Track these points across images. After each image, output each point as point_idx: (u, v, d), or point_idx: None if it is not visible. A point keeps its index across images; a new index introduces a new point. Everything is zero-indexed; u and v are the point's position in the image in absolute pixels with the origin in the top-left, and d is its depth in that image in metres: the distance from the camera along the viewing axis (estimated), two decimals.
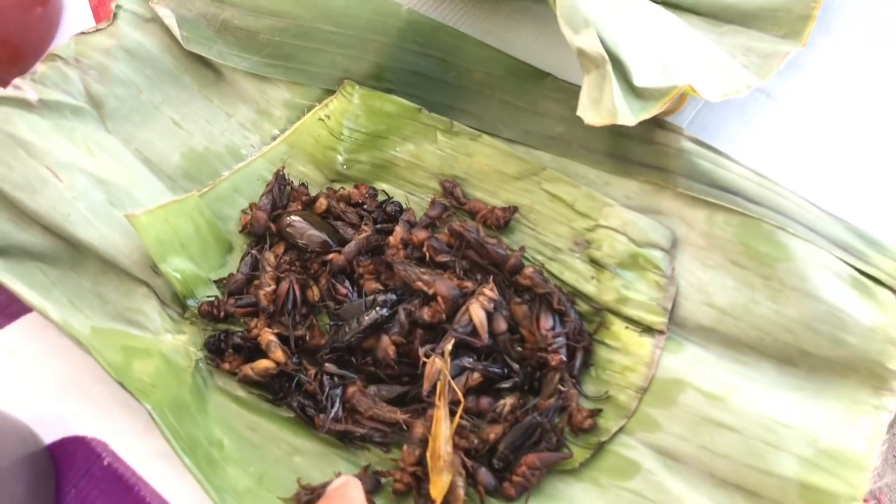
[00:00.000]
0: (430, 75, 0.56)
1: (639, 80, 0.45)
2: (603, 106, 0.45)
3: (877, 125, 0.55)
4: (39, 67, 0.54)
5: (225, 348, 0.50)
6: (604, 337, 0.49)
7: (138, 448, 0.49)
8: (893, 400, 0.45)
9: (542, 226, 0.52)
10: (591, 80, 0.45)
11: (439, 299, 0.49)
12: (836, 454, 0.44)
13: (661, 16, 0.52)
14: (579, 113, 0.45)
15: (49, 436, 0.50)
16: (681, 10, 0.57)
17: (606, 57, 0.44)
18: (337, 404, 0.47)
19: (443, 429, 0.44)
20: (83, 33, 0.56)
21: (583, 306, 0.50)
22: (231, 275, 0.53)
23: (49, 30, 0.64)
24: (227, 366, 0.50)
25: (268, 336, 0.49)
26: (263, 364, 0.48)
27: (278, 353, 0.48)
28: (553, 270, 0.51)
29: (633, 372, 0.48)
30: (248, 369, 0.49)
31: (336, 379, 0.48)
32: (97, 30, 0.56)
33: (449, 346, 0.46)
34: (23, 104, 0.53)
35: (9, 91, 0.53)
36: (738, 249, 0.48)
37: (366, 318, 0.48)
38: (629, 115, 0.44)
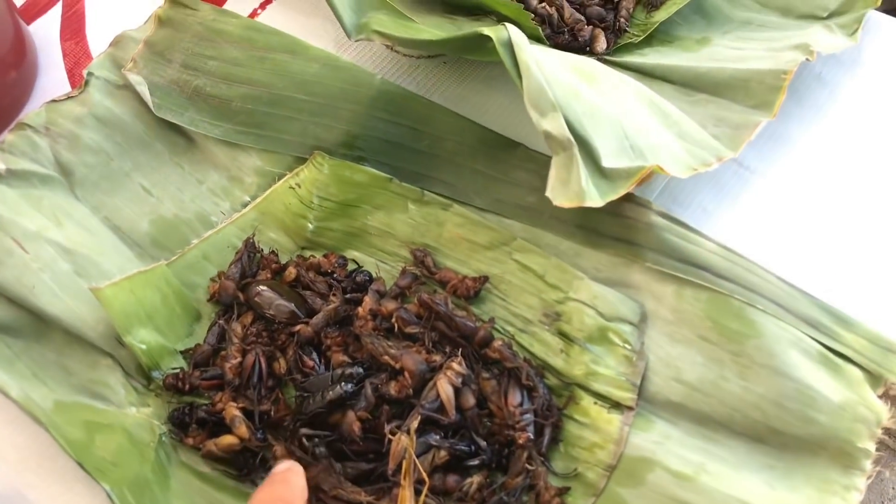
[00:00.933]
0: (402, 143, 0.56)
1: (606, 162, 0.46)
2: (571, 188, 0.45)
3: (849, 198, 0.55)
4: (8, 136, 0.54)
5: (189, 422, 0.49)
6: (573, 412, 0.48)
7: None
8: (863, 480, 0.45)
9: (513, 296, 0.52)
10: (559, 162, 0.46)
11: (406, 374, 0.48)
12: None
13: (629, 88, 0.52)
14: (548, 194, 0.45)
15: None
16: (653, 78, 0.57)
17: (573, 140, 0.44)
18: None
19: None
20: (54, 101, 0.56)
21: (552, 380, 0.49)
22: (198, 345, 0.52)
23: (22, 94, 0.64)
24: (190, 441, 0.49)
25: (232, 411, 0.48)
26: (227, 440, 0.48)
27: (242, 429, 0.47)
28: (523, 342, 0.51)
29: (601, 449, 0.47)
30: (211, 445, 0.48)
31: (316, 440, 0.47)
32: (69, 97, 0.56)
33: (415, 424, 0.46)
34: None
35: None
36: (706, 325, 0.48)
37: (331, 392, 0.48)
38: (597, 197, 0.44)
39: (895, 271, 0.52)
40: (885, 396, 0.46)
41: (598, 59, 0.59)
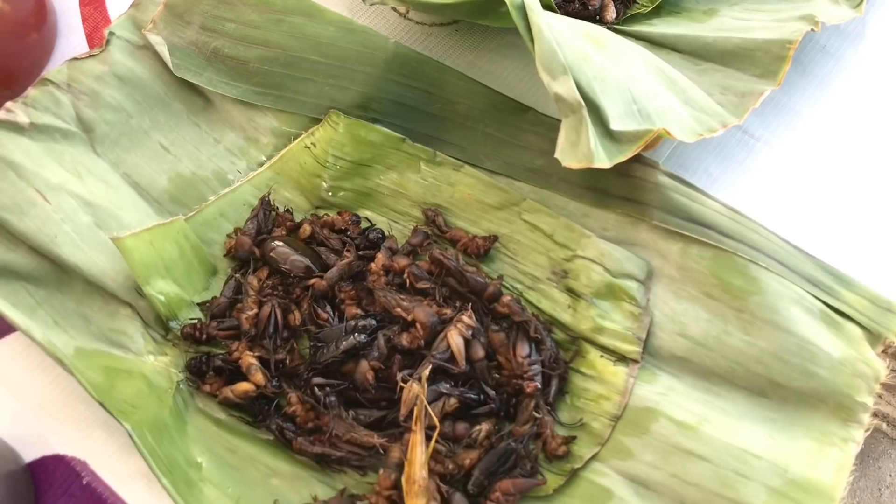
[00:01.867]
0: (415, 106, 0.58)
1: (615, 125, 0.46)
2: (580, 149, 0.46)
3: (851, 167, 0.56)
4: (31, 92, 0.55)
5: (206, 370, 0.51)
6: (579, 365, 0.50)
7: (117, 468, 0.49)
8: (861, 432, 0.46)
9: (522, 255, 0.53)
10: (568, 124, 0.47)
11: (418, 326, 0.49)
12: (804, 484, 0.44)
13: (637, 55, 0.53)
14: (557, 155, 0.46)
15: (29, 454, 0.50)
16: (661, 47, 0.58)
17: (583, 103, 0.45)
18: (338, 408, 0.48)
19: (419, 453, 0.45)
20: (76, 59, 0.57)
21: (559, 335, 0.51)
22: (214, 298, 0.54)
23: (43, 55, 0.65)
24: (207, 388, 0.50)
25: (248, 359, 0.50)
26: (243, 387, 0.49)
27: (258, 376, 0.49)
28: (531, 299, 0.52)
29: (607, 400, 0.49)
30: (228, 391, 0.49)
31: (327, 389, 0.49)
32: (90, 55, 0.57)
33: (426, 372, 0.47)
34: (14, 127, 0.54)
35: (0, 114, 0.54)
36: (711, 282, 0.49)
37: (344, 342, 0.49)
38: (605, 158, 0.45)
39: (894, 235, 0.54)
40: (883, 354, 0.48)
41: (608, 28, 0.60)
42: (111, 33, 0.58)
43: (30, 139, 0.54)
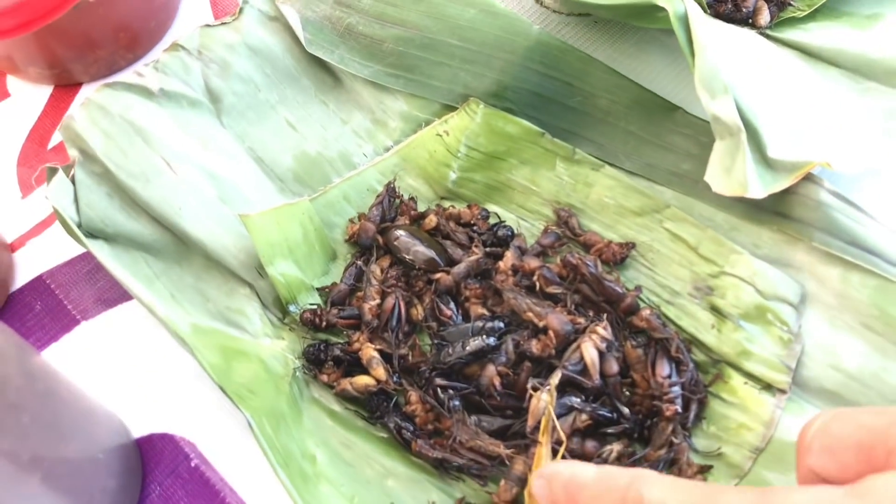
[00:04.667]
0: (553, 98, 0.55)
1: (773, 153, 0.44)
2: (734, 176, 0.44)
3: None
4: (163, 56, 0.54)
5: (324, 359, 0.49)
6: (720, 390, 0.47)
7: (228, 454, 0.48)
8: None
9: (661, 267, 0.50)
10: (723, 147, 0.45)
11: (550, 333, 0.47)
12: None
13: (800, 76, 0.50)
14: (707, 179, 0.45)
15: (138, 430, 0.49)
16: (819, 59, 0.55)
17: (742, 126, 0.43)
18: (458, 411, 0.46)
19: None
20: (208, 26, 0.55)
21: (699, 356, 0.48)
22: (334, 284, 0.52)
23: (167, 18, 0.64)
24: (325, 377, 0.48)
25: (370, 351, 0.47)
26: (364, 380, 0.47)
27: (380, 371, 0.47)
28: (670, 314, 0.49)
29: (748, 430, 0.45)
30: (346, 383, 0.47)
31: (451, 391, 0.46)
32: (222, 23, 0.56)
33: (556, 381, 0.44)
34: (144, 92, 0.52)
35: (132, 78, 0.52)
36: (872, 313, 0.45)
37: (472, 342, 0.47)
38: (760, 188, 0.44)
39: None
40: None
41: (760, 33, 0.56)
42: (245, 2, 0.56)
43: (157, 105, 0.53)
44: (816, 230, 0.47)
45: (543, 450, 0.43)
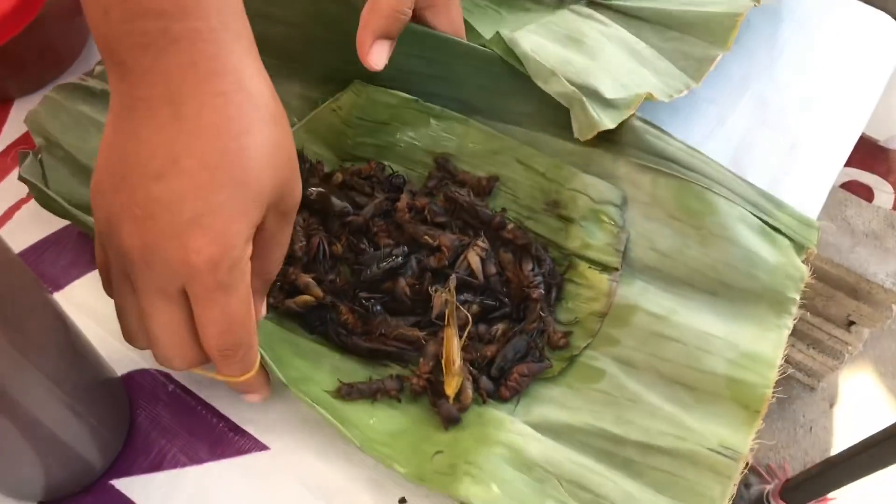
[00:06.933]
0: (418, 71, 0.68)
1: (610, 95, 0.62)
2: (588, 123, 0.61)
3: (773, 110, 0.70)
4: (97, 68, 0.65)
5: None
6: (572, 276, 0.62)
7: (195, 378, 0.59)
8: (791, 319, 0.59)
9: (520, 191, 0.65)
10: (575, 109, 0.62)
11: (443, 249, 0.61)
12: (752, 356, 0.57)
13: (611, 40, 0.68)
14: (576, 135, 0.62)
15: (118, 369, 0.59)
16: (635, 18, 0.73)
17: (578, 91, 0.61)
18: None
19: (454, 343, 0.57)
20: None
21: (554, 253, 0.63)
22: None
23: (85, 35, 0.74)
24: (271, 300, 0.59)
25: (305, 278, 0.60)
26: (304, 298, 0.59)
27: (317, 290, 0.59)
28: (530, 226, 0.64)
29: (595, 302, 0.61)
30: (290, 303, 0.59)
31: (372, 300, 0.60)
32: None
33: (453, 283, 0.59)
34: (89, 91, 0.64)
35: (78, 81, 0.63)
36: (674, 206, 0.62)
37: (384, 263, 0.60)
38: (609, 122, 0.61)
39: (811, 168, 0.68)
40: (806, 261, 0.61)
41: (588, 2, 0.74)
42: None
43: (101, 100, 0.64)
44: (631, 147, 0.63)
45: (451, 329, 0.57)
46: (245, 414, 0.58)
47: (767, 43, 0.76)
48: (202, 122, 0.43)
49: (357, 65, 0.65)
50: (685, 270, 0.61)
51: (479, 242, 0.61)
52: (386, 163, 0.68)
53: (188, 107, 0.43)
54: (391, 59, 0.65)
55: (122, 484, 0.55)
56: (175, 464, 0.56)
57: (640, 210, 0.63)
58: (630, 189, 0.63)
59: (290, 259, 0.61)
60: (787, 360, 0.85)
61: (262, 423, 0.58)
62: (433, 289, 0.59)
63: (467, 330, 0.57)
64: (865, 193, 0.85)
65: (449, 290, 0.58)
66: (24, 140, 0.70)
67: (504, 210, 0.64)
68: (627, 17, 0.72)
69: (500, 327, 0.60)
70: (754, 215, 0.61)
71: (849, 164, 0.71)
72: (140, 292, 0.45)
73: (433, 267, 0.61)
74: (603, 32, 0.70)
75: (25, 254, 0.65)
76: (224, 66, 0.44)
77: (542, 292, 0.60)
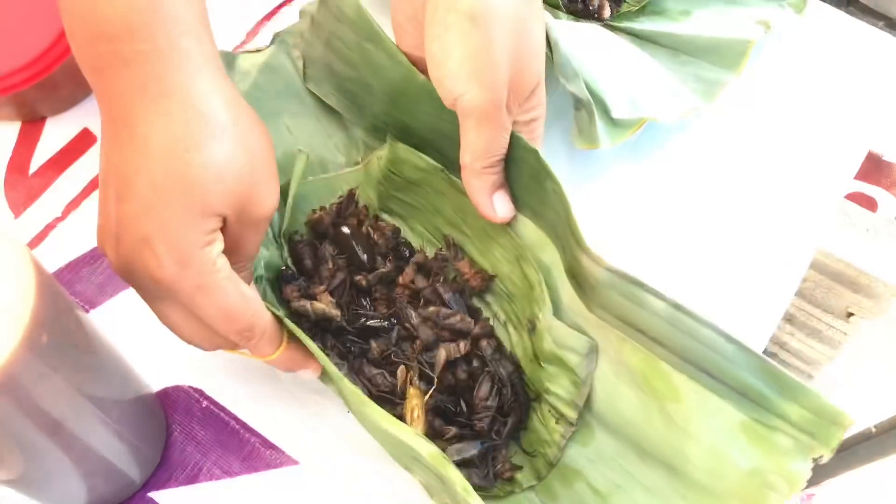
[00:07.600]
0: (450, 135, 0.60)
1: (616, 114, 0.65)
2: (588, 135, 0.65)
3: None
4: None
5: (291, 282, 0.62)
6: (537, 409, 0.58)
7: (228, 395, 0.64)
8: None
9: (514, 297, 0.61)
10: (580, 115, 0.65)
11: (419, 341, 0.60)
12: None
13: (630, 53, 0.70)
14: (572, 139, 0.66)
15: (157, 385, 0.63)
16: (648, 42, 0.74)
17: (590, 98, 0.64)
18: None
19: (416, 396, 0.57)
20: (247, 51, 0.68)
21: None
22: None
23: None
24: (288, 291, 0.60)
25: (328, 298, 0.60)
26: (322, 307, 0.59)
27: (337, 312, 0.60)
28: (513, 339, 0.61)
29: (549, 447, 0.57)
30: (307, 303, 0.59)
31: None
32: (257, 50, 0.68)
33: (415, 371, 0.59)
34: None
35: None
36: (640, 377, 0.52)
37: (372, 321, 0.61)
38: (608, 141, 0.64)
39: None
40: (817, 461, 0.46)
41: (604, 25, 0.74)
42: (278, 35, 0.68)
43: None
44: (595, 305, 0.53)
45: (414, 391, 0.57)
46: (275, 429, 0.61)
47: (773, 66, 0.77)
48: (150, 143, 0.44)
49: (394, 116, 0.64)
50: (645, 444, 0.53)
51: (451, 347, 0.59)
52: (412, 224, 0.67)
53: (140, 128, 0.44)
54: (423, 119, 0.62)
55: (161, 496, 0.59)
56: (210, 476, 0.59)
57: (610, 366, 0.54)
58: (601, 340, 0.54)
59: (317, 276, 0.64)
60: (785, 348, 0.96)
61: (293, 438, 0.61)
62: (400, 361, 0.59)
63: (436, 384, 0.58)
64: (868, 204, 0.83)
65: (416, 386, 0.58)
66: (59, 158, 0.72)
67: (487, 321, 0.61)
68: (640, 40, 0.73)
69: (452, 430, 0.58)
70: (741, 407, 0.48)
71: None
72: (144, 300, 0.48)
73: (407, 353, 0.61)
74: (623, 48, 0.71)
75: (61, 273, 0.67)
76: (170, 87, 0.44)
77: (485, 427, 0.57)
